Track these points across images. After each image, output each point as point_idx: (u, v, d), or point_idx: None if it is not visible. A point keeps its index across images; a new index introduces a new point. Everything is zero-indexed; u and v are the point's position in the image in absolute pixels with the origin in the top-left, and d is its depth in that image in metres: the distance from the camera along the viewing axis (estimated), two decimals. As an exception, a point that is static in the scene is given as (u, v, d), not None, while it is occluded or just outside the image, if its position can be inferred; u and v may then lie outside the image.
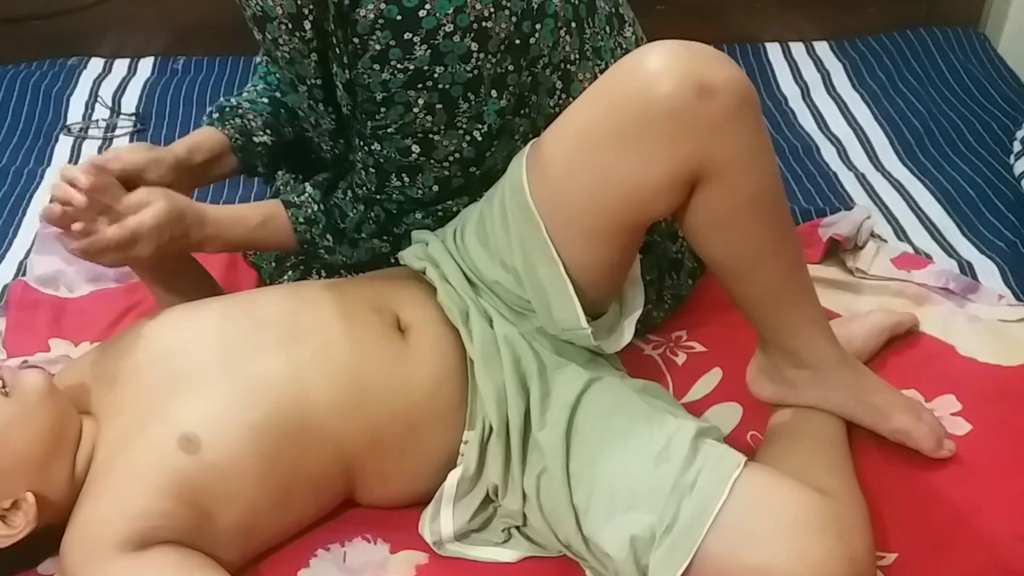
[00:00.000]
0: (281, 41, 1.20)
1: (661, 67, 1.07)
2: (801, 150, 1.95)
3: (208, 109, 1.44)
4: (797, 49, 2.27)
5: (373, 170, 1.28)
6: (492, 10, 1.15)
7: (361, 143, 1.28)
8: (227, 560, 1.13)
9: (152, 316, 1.26)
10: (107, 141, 2.00)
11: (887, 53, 2.20)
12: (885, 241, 1.67)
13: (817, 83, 2.16)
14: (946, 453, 1.26)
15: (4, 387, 1.11)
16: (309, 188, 1.34)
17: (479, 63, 1.17)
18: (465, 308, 1.24)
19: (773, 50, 2.27)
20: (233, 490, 1.11)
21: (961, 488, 1.24)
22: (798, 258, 1.22)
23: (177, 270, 1.35)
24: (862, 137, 1.98)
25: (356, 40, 1.15)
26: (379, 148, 1.25)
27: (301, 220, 1.32)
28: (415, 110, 1.19)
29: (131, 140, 2.00)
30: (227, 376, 1.15)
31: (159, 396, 1.14)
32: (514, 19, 1.19)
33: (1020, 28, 2.24)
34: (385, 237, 1.34)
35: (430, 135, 1.22)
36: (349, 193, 1.33)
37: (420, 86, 1.17)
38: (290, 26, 1.17)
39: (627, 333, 1.26)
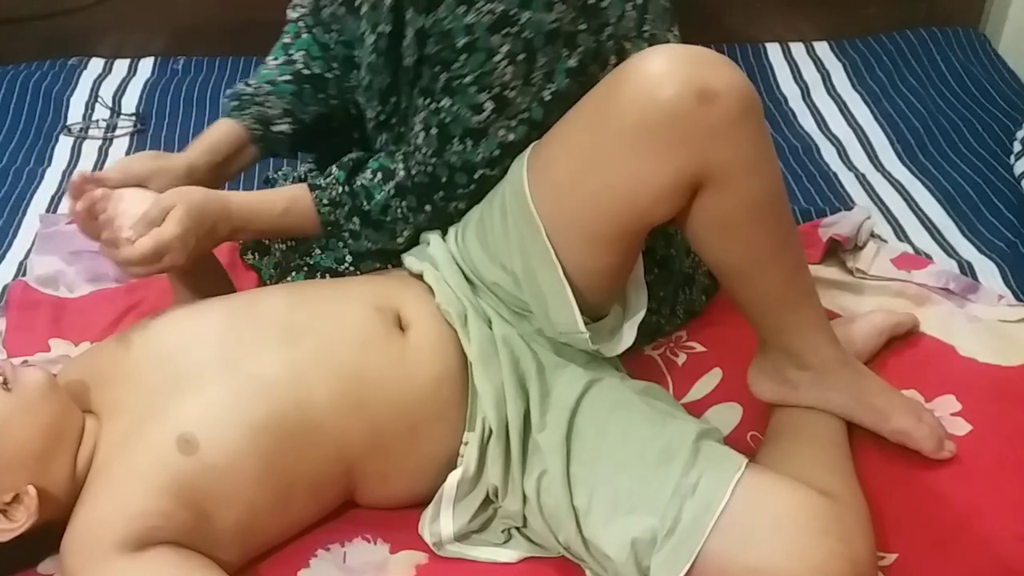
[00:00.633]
0: None
1: (662, 72, 1.07)
2: (801, 150, 1.95)
3: (229, 91, 1.42)
4: (797, 49, 2.27)
5: (436, 131, 1.25)
6: None
7: (427, 100, 1.25)
8: (227, 560, 1.13)
9: (154, 315, 1.26)
10: (107, 141, 2.00)
11: (887, 53, 2.20)
12: (885, 241, 1.67)
13: (817, 83, 2.16)
14: (947, 454, 1.26)
15: (5, 382, 1.11)
16: (335, 170, 1.31)
17: (560, 15, 1.17)
18: (463, 310, 1.24)
19: (773, 50, 2.27)
20: (232, 491, 1.11)
21: (961, 488, 1.24)
22: (800, 261, 1.22)
23: (204, 269, 1.35)
24: (862, 137, 1.98)
25: None
26: (449, 104, 1.22)
27: (325, 202, 1.30)
28: (496, 59, 1.18)
29: (131, 140, 2.00)
30: (227, 376, 1.15)
31: (159, 396, 1.14)
32: None
33: (1020, 28, 2.24)
34: (410, 221, 1.31)
35: (506, 90, 1.20)
36: (379, 174, 1.30)
37: (504, 31, 1.16)
38: None
39: (627, 337, 1.26)
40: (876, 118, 2.02)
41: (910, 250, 1.64)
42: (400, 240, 1.34)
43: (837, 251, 1.63)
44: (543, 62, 1.19)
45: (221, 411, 1.13)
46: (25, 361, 1.41)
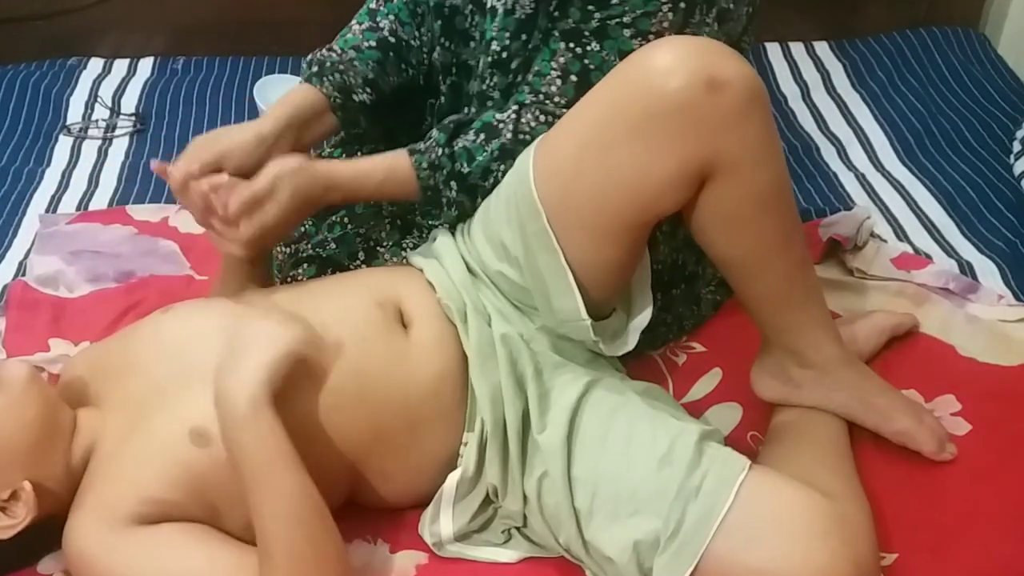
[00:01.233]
0: None
1: (671, 62, 1.07)
2: (801, 150, 1.95)
3: (308, 58, 1.39)
4: (797, 49, 2.27)
5: (575, 78, 1.21)
6: None
7: (572, 44, 1.20)
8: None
9: (162, 311, 1.26)
10: (107, 141, 1.99)
11: (887, 53, 2.20)
12: (885, 241, 1.67)
13: (817, 83, 2.16)
14: (948, 456, 1.26)
15: None
16: (435, 132, 1.28)
17: None
18: (463, 306, 1.24)
19: (773, 50, 2.27)
20: (238, 486, 1.11)
21: (961, 488, 1.24)
22: (805, 258, 1.22)
23: (266, 256, 1.37)
24: (862, 137, 1.98)
25: None
26: (596, 48, 1.18)
27: (424, 166, 1.26)
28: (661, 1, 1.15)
29: (130, 140, 2.00)
30: None
31: (168, 389, 1.14)
32: None
33: (1020, 28, 2.24)
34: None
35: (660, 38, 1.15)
36: (481, 135, 1.25)
37: None
38: None
39: (631, 340, 1.26)
40: (876, 118, 2.02)
41: (910, 250, 1.64)
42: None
43: (837, 251, 1.63)
44: (698, 18, 1.16)
45: None
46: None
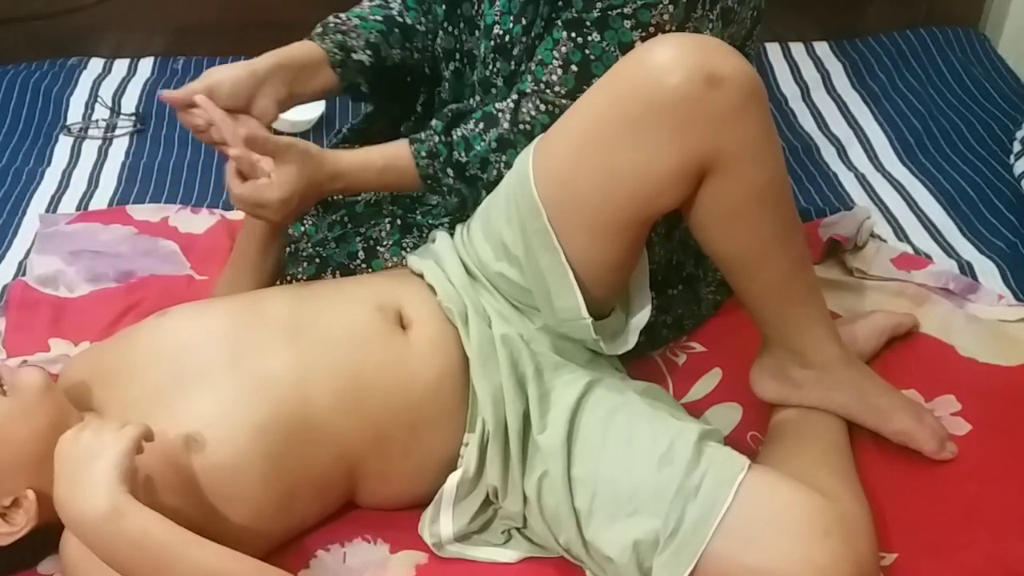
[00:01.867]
0: None
1: (670, 58, 1.07)
2: (801, 150, 1.95)
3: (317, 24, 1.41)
4: (797, 49, 2.27)
5: (576, 69, 1.21)
6: None
7: (573, 34, 1.20)
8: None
9: (159, 314, 1.26)
10: (107, 141, 1.99)
11: (887, 53, 2.20)
12: (885, 241, 1.67)
13: (817, 83, 2.16)
14: (948, 455, 1.27)
15: (2, 385, 1.10)
16: (434, 121, 1.30)
17: None
18: (464, 308, 1.24)
19: (773, 50, 2.27)
20: (239, 490, 1.12)
21: (961, 488, 1.24)
22: (804, 255, 1.22)
23: (278, 250, 1.39)
24: (862, 137, 1.98)
25: None
26: (597, 39, 1.19)
27: (423, 154, 1.28)
28: None
29: (130, 140, 2.00)
30: (232, 375, 1.15)
31: (165, 394, 1.14)
32: None
33: (1020, 28, 2.24)
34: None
35: (660, 32, 1.17)
36: (480, 124, 1.27)
37: None
38: None
39: (631, 339, 1.26)
40: (876, 118, 2.02)
41: (910, 250, 1.64)
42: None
43: (837, 251, 1.63)
44: (699, 13, 1.16)
45: (227, 411, 1.13)
46: (24, 361, 1.41)
